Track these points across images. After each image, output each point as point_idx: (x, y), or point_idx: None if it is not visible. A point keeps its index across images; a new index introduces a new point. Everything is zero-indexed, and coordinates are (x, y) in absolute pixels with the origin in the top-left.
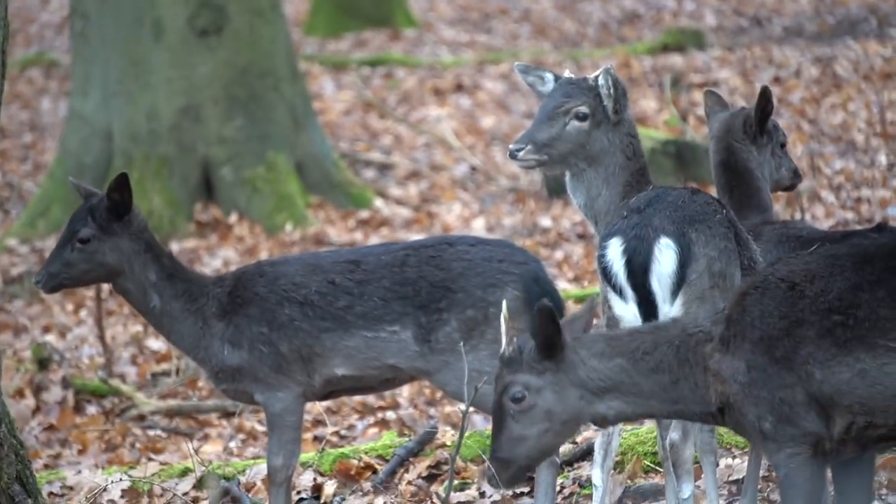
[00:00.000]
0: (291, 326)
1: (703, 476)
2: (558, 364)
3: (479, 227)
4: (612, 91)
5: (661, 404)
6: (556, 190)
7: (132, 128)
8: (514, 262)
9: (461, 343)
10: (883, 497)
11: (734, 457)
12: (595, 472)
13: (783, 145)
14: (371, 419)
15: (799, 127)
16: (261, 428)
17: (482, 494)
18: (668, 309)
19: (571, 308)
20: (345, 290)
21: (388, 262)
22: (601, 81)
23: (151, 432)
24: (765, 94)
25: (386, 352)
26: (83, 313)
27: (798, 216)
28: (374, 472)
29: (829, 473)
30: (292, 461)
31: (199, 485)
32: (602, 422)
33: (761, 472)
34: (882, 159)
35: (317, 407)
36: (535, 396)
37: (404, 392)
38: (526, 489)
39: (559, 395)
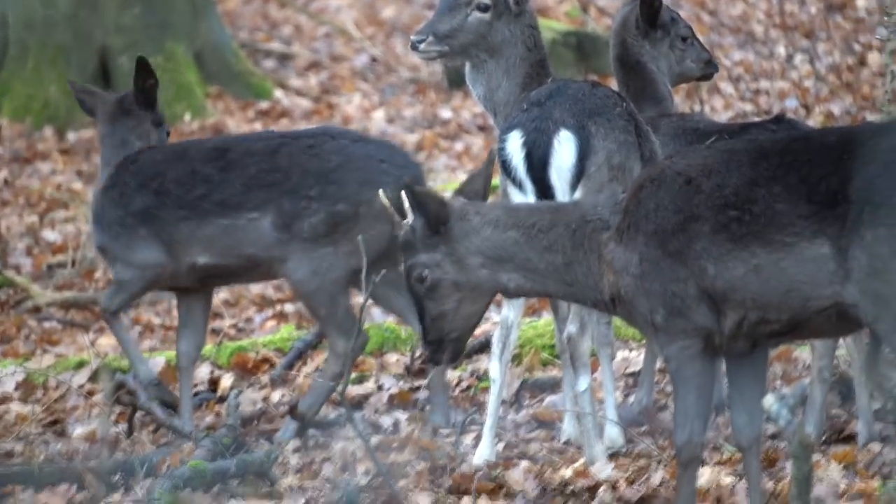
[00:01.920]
0: (147, 214)
1: (599, 368)
2: (450, 235)
3: (379, 119)
4: None
5: (556, 285)
6: (456, 81)
7: (28, 15)
8: (395, 165)
9: (325, 235)
10: (777, 389)
11: (631, 350)
12: (493, 364)
13: (685, 38)
14: (269, 312)
15: (699, 18)
16: (157, 321)
17: (380, 387)
18: None
19: None
20: (203, 179)
21: (259, 150)
22: None
23: (47, 324)
24: None
25: (244, 240)
26: None
27: (697, 108)
28: (272, 365)
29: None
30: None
31: (94, 377)
32: (506, 292)
33: (657, 365)
34: (781, 51)
35: (214, 299)
36: (436, 271)
37: None
38: (423, 381)
39: (459, 265)
